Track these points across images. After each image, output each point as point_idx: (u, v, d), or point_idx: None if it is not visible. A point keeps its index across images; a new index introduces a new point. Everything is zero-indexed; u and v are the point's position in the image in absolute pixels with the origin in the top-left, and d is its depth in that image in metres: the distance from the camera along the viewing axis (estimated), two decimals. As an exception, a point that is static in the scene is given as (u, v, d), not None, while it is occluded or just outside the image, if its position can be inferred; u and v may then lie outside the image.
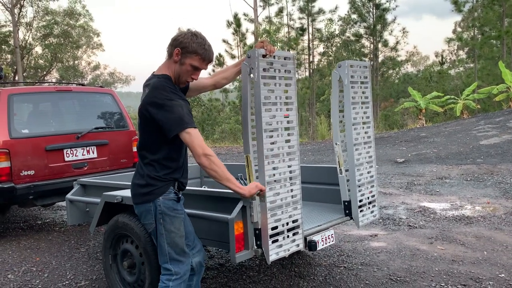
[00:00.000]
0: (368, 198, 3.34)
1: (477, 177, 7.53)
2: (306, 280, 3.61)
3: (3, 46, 30.34)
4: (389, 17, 33.82)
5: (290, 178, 2.66)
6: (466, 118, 16.45)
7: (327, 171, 3.76)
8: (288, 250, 2.65)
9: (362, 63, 3.30)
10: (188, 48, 2.36)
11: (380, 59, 33.85)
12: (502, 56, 27.69)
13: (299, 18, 32.13)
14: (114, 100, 5.99)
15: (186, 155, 2.55)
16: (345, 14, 33.78)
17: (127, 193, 2.92)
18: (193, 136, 2.27)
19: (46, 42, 31.90)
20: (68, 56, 35.02)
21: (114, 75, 44.57)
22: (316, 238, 2.95)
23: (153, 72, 2.52)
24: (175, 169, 2.47)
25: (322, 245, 2.99)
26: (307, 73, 33.30)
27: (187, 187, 2.66)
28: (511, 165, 8.14)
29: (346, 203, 3.31)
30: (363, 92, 3.29)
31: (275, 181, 2.56)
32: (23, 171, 4.91)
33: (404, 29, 33.12)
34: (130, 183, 2.61)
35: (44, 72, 34.05)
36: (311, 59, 32.83)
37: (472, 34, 33.02)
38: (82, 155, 5.43)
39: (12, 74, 29.53)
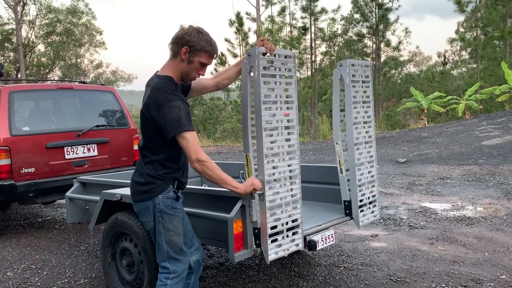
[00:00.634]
0: (368, 198, 3.32)
1: (478, 178, 7.50)
2: (306, 280, 3.59)
3: (6, 44, 30.45)
4: (391, 17, 33.69)
5: (290, 177, 2.65)
6: (468, 119, 16.41)
7: (327, 171, 3.73)
8: (288, 250, 2.63)
9: (363, 62, 3.28)
10: (196, 46, 2.37)
11: (382, 59, 33.79)
12: (505, 57, 27.62)
13: (302, 17, 32.21)
14: (115, 98, 5.99)
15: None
16: (348, 14, 33.78)
17: (126, 191, 2.92)
18: (187, 140, 2.29)
19: (49, 40, 31.98)
20: (70, 54, 35.08)
21: (116, 74, 44.58)
22: (316, 238, 2.93)
23: (156, 71, 2.51)
24: (175, 169, 2.49)
25: (322, 245, 2.98)
26: (309, 73, 33.31)
27: (186, 186, 2.66)
28: (513, 166, 8.11)
29: (346, 203, 3.29)
30: (365, 92, 3.27)
31: (274, 180, 2.55)
32: (23, 168, 4.91)
33: (406, 29, 32.95)
34: (129, 182, 2.60)
35: (47, 70, 34.11)
36: (313, 58, 32.82)
37: (475, 34, 32.98)
38: (83, 153, 5.43)
39: (15, 72, 29.62)
